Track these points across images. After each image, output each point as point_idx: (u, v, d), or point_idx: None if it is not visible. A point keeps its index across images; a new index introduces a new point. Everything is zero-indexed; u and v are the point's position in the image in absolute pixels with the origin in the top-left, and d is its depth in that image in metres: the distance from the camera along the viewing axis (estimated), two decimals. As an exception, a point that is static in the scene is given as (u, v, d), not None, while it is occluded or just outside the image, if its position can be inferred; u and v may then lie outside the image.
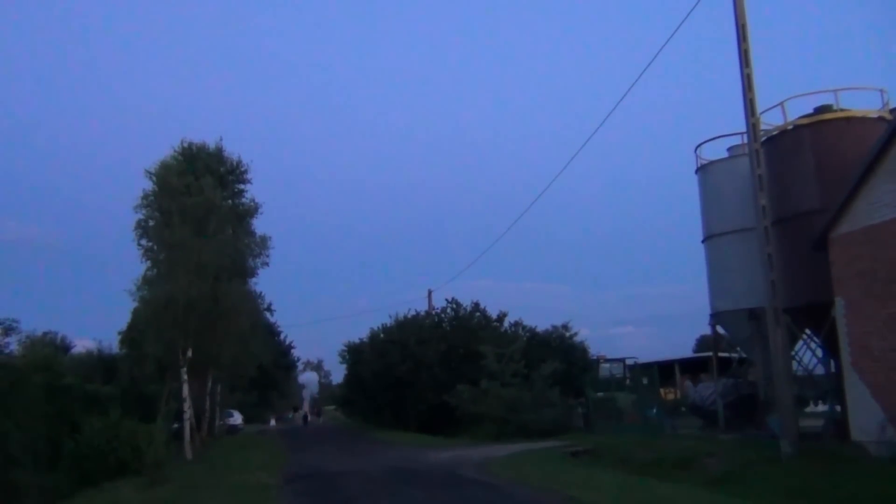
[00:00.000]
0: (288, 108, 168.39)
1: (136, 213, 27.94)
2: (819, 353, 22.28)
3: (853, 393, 17.09)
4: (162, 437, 22.16)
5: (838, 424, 19.50)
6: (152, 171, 28.50)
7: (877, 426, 16.00)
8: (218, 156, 32.34)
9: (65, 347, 49.72)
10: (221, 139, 32.77)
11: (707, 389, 28.57)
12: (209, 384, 34.70)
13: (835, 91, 20.53)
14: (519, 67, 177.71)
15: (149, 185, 28.36)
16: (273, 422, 65.94)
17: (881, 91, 20.65)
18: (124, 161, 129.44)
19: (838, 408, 20.24)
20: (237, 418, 50.22)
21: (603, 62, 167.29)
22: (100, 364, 40.62)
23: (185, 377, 27.02)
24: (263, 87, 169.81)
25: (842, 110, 20.18)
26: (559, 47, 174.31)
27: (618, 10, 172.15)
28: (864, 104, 20.66)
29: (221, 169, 32.11)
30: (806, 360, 23.43)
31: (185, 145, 31.16)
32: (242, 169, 33.27)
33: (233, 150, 33.50)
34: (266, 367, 49.34)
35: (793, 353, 22.02)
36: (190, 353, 26.99)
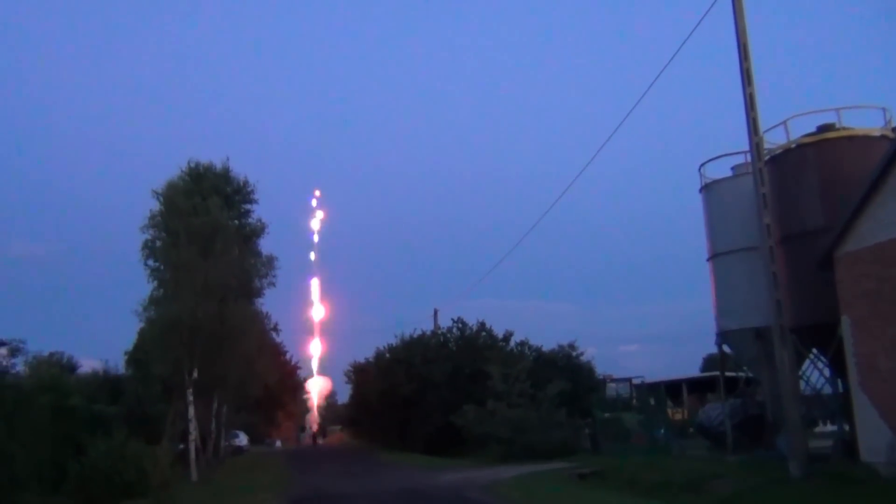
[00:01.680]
0: (295, 124, 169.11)
1: (142, 234, 28.05)
2: (826, 372, 22.13)
3: (861, 413, 16.96)
4: (167, 459, 22.12)
5: (847, 445, 19.32)
6: (159, 191, 28.62)
7: (886, 447, 15.85)
8: (225, 176, 32.49)
9: (71, 367, 49.62)
10: (228, 159, 32.99)
11: (714, 410, 28.35)
12: (215, 405, 34.62)
13: (837, 110, 20.57)
14: (522, 87, 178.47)
15: (156, 206, 28.49)
16: (279, 443, 65.72)
17: (883, 109, 20.68)
18: (131, 180, 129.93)
19: (847, 428, 20.08)
20: (243, 439, 50.03)
21: (607, 80, 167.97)
22: (106, 384, 40.47)
23: (191, 398, 26.96)
24: (271, 105, 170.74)
25: (845, 129, 20.19)
26: (563, 67, 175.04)
27: (620, 28, 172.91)
28: (866, 122, 20.69)
29: (228, 189, 32.26)
30: (813, 379, 23.27)
31: (193, 165, 31.33)
32: (249, 189, 33.44)
33: (239, 171, 33.75)
34: (272, 388, 49.23)
35: (800, 372, 21.89)
36: (196, 374, 26.96)
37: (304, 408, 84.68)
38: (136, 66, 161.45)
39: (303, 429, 79.45)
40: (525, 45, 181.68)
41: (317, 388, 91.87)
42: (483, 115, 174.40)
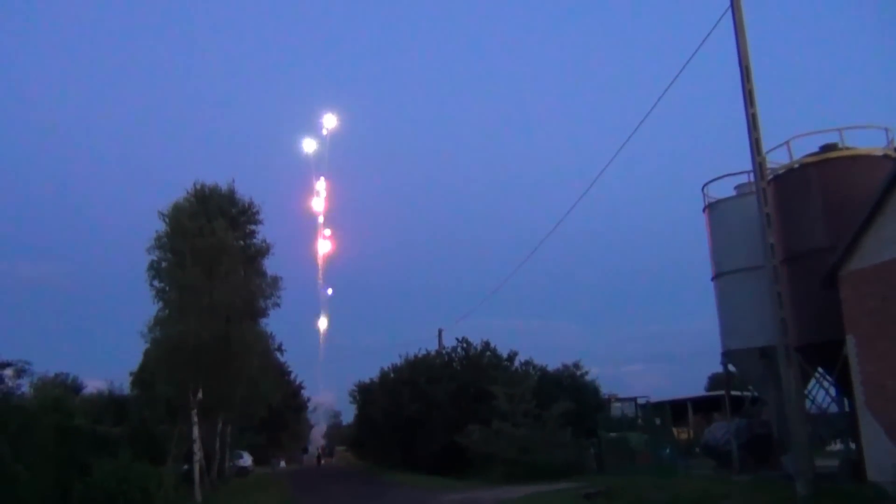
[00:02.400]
0: (298, 142, 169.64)
1: (148, 255, 28.19)
2: (832, 391, 22.07)
3: (868, 433, 16.91)
4: (171, 480, 22.11)
5: (854, 464, 19.24)
6: (165, 212, 28.81)
7: (893, 466, 15.78)
8: (230, 197, 32.73)
9: (76, 388, 49.71)
10: (234, 181, 33.24)
11: (720, 429, 28.26)
12: (219, 425, 34.59)
13: (839, 130, 20.65)
14: (526, 104, 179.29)
15: (162, 227, 28.66)
16: (283, 463, 65.49)
17: (886, 129, 20.74)
18: (137, 202, 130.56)
19: (854, 447, 20.00)
20: (247, 460, 49.90)
21: (611, 100, 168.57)
22: (110, 405, 40.55)
23: (196, 418, 26.98)
24: (276, 122, 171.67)
25: (847, 148, 20.28)
26: (565, 86, 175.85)
27: (624, 46, 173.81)
28: (869, 142, 20.77)
29: (233, 210, 32.47)
30: (819, 398, 23.20)
31: (198, 187, 31.54)
32: (254, 210, 33.64)
33: (244, 192, 33.95)
34: (276, 408, 49.16)
35: (806, 391, 21.83)
36: (201, 395, 26.99)
37: (309, 428, 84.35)
38: (144, 88, 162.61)
39: (306, 449, 79.15)
40: (525, 67, 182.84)
41: (322, 409, 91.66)
42: (487, 134, 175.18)
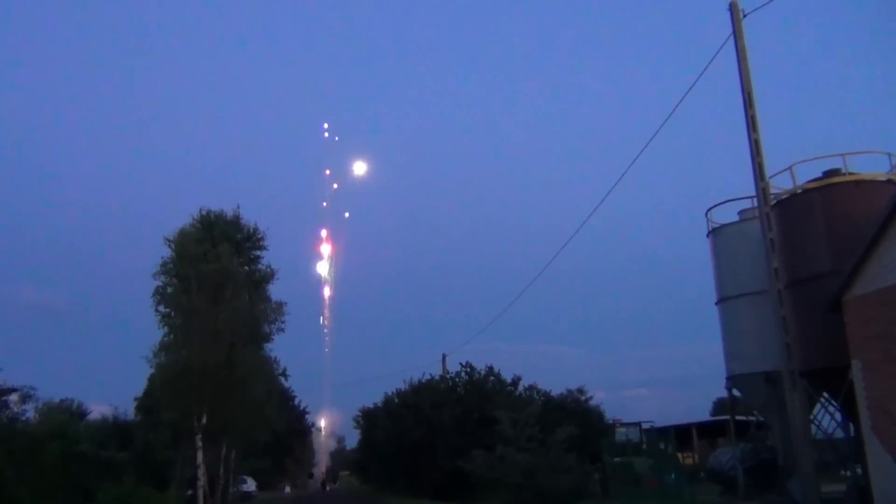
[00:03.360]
0: (303, 169, 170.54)
1: (154, 280, 28.32)
2: (838, 416, 21.99)
3: (874, 458, 16.83)
4: (175, 506, 22.05)
5: (861, 490, 19.14)
6: (171, 238, 28.99)
7: (900, 492, 15.73)
8: (235, 223, 32.90)
9: (81, 414, 49.71)
10: (239, 207, 33.44)
11: (725, 454, 28.13)
12: (223, 450, 34.50)
13: (843, 155, 20.78)
14: (532, 132, 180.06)
15: (167, 253, 28.82)
16: (288, 488, 65.12)
17: (889, 154, 20.87)
18: (142, 228, 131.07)
19: (860, 472, 19.90)
20: (251, 485, 49.65)
21: (615, 124, 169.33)
22: (115, 430, 40.54)
23: (200, 444, 26.94)
24: (281, 153, 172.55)
25: (850, 174, 20.37)
26: (569, 112, 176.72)
27: (628, 72, 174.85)
28: (872, 167, 20.86)
29: (238, 236, 32.63)
30: (825, 423, 23.11)
31: (204, 213, 31.77)
32: (259, 236, 33.79)
33: (249, 217, 34.13)
34: (280, 433, 49.01)
35: (811, 416, 21.75)
36: (205, 420, 26.97)
37: (313, 453, 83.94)
38: (149, 114, 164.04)
39: (311, 475, 78.73)
40: (528, 94, 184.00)
41: (326, 433, 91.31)
42: (491, 162, 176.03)
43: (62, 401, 47.71)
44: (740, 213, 25.32)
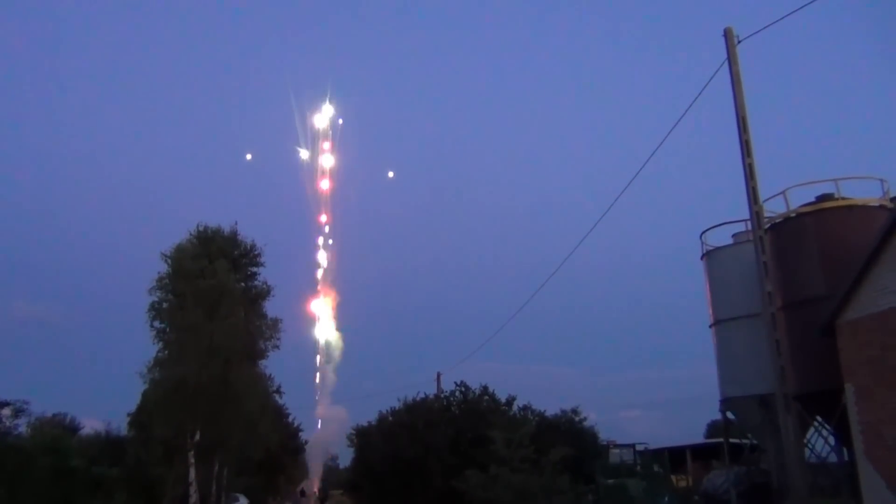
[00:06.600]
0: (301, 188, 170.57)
1: (149, 296, 28.30)
2: (832, 440, 22.01)
3: (867, 483, 16.86)
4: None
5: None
6: (168, 253, 29.01)
7: (893, 517, 15.74)
8: (232, 239, 32.91)
9: (73, 429, 49.40)
10: (236, 223, 33.46)
11: (719, 477, 28.06)
12: (216, 467, 34.32)
13: (836, 180, 20.98)
14: (524, 154, 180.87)
15: (163, 268, 28.82)
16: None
17: (881, 180, 21.07)
18: (136, 242, 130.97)
19: (854, 497, 19.88)
20: (243, 502, 49.27)
21: (610, 146, 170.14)
22: (107, 446, 40.23)
23: (193, 460, 26.82)
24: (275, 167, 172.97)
25: (843, 199, 20.55)
26: (563, 135, 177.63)
27: (623, 95, 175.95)
28: (864, 193, 21.04)
29: (235, 252, 32.62)
30: (819, 447, 23.12)
31: (201, 229, 31.78)
32: (255, 252, 33.81)
33: (247, 234, 34.16)
34: (273, 451, 48.72)
35: (805, 440, 21.76)
36: (198, 436, 26.87)
37: (306, 471, 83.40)
38: (143, 128, 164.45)
39: (303, 492, 78.09)
40: (523, 111, 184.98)
41: (319, 451, 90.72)
42: (488, 181, 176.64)
43: (55, 415, 47.46)
44: (734, 236, 25.44)
